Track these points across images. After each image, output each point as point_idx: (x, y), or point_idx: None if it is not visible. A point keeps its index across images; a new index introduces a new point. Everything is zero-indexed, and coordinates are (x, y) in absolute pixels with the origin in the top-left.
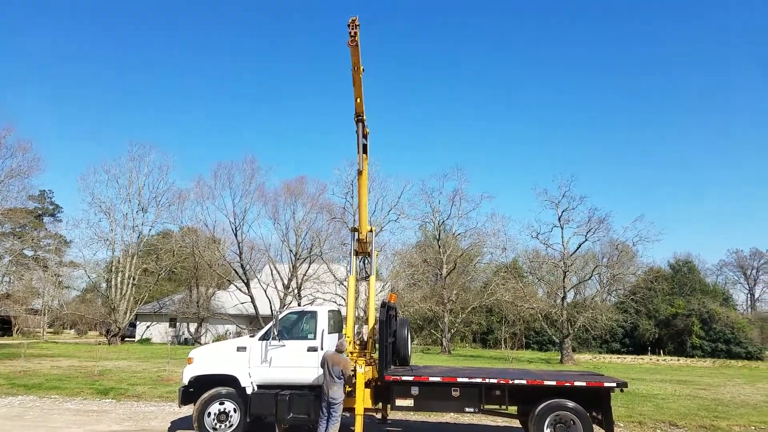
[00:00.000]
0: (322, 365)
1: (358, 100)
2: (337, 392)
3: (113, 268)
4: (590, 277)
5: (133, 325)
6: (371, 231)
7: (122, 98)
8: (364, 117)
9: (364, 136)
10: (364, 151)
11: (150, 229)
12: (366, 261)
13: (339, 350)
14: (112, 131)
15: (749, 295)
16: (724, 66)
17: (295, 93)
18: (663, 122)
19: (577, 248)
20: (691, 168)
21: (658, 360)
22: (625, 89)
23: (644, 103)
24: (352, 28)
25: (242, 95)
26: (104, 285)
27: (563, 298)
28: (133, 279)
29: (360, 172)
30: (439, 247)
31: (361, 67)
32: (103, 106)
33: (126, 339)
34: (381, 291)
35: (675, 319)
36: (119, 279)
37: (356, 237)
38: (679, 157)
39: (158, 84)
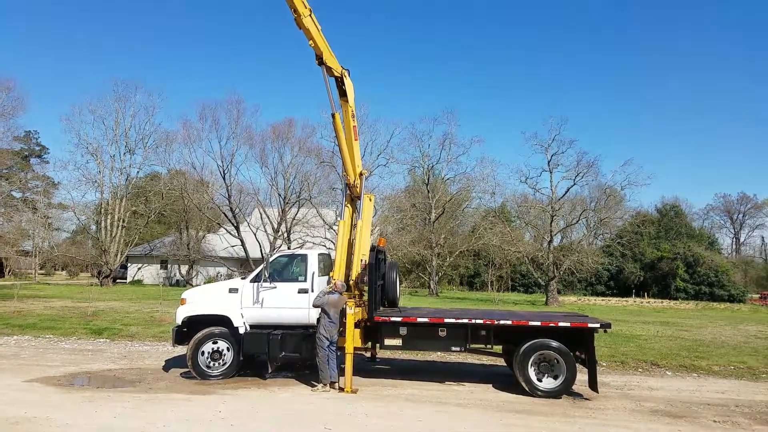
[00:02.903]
0: (328, 309)
1: (311, 43)
2: (337, 333)
3: (102, 210)
4: (577, 221)
5: (124, 267)
6: (361, 175)
7: (103, 36)
8: (325, 58)
9: (340, 78)
10: (342, 94)
11: (138, 171)
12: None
13: (340, 292)
14: (95, 69)
15: (734, 239)
16: (717, 3)
17: (282, 33)
18: (652, 65)
19: (566, 192)
20: (683, 112)
21: (642, 302)
22: (614, 31)
23: (633, 45)
24: None
25: (227, 33)
26: (94, 227)
27: (550, 241)
28: (123, 221)
29: (333, 116)
30: (428, 191)
31: (307, 8)
32: (83, 43)
33: (117, 280)
34: (371, 236)
35: (660, 262)
36: (109, 221)
37: (345, 182)
38: (669, 100)
39: (140, 22)
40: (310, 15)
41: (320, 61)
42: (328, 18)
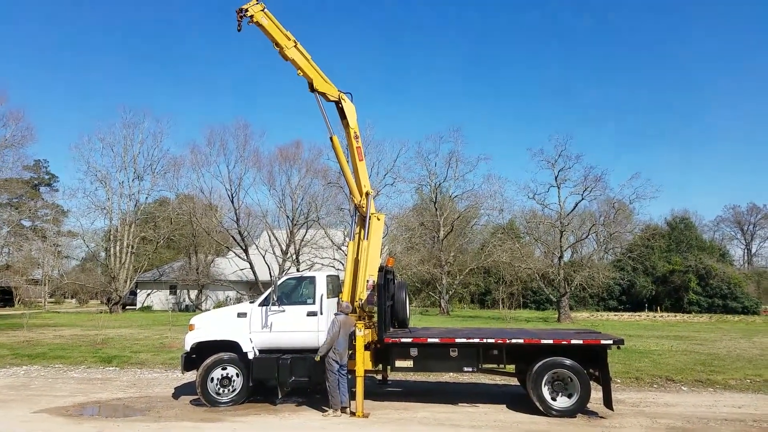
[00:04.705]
0: (337, 332)
1: (300, 72)
2: (347, 356)
3: (111, 236)
4: (587, 236)
5: (133, 293)
6: (368, 194)
7: (109, 59)
8: (316, 85)
9: (338, 101)
10: (343, 116)
11: (147, 197)
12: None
13: (346, 312)
14: (101, 98)
15: (746, 251)
16: (723, 14)
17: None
18: (659, 76)
19: (574, 207)
20: (689, 123)
21: (655, 316)
22: (620, 42)
23: (640, 55)
24: (239, 15)
25: (233, 56)
26: (103, 254)
27: (560, 257)
28: (132, 247)
29: (331, 139)
30: (436, 209)
31: (291, 39)
32: (89, 69)
33: (127, 307)
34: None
35: (672, 275)
36: (118, 248)
37: (353, 202)
38: (676, 112)
39: (147, 47)
40: (295, 46)
41: (312, 87)
42: (331, 38)
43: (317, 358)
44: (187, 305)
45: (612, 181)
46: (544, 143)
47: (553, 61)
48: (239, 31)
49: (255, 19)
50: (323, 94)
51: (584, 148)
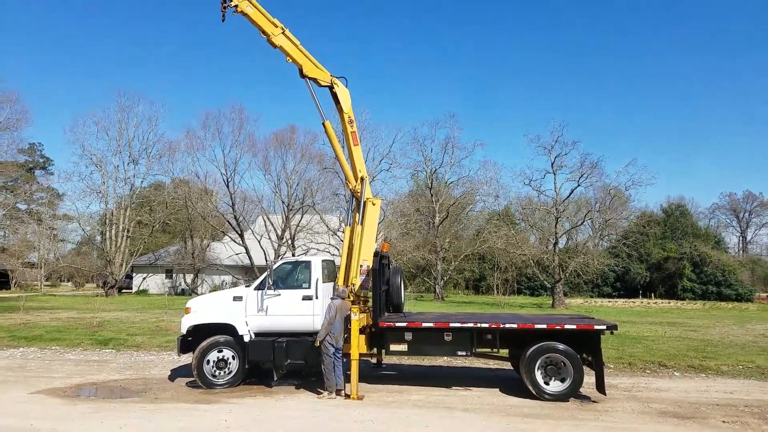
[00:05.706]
0: (334, 315)
1: (289, 59)
2: (342, 340)
3: (107, 220)
4: (582, 223)
5: (129, 277)
6: (362, 179)
7: (105, 45)
8: (306, 71)
9: (331, 86)
10: (336, 100)
11: (142, 181)
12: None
13: (342, 297)
14: (97, 79)
15: (741, 238)
16: (724, 4)
17: None
18: (656, 64)
19: (570, 194)
20: (687, 111)
21: (649, 303)
22: (618, 30)
23: (638, 43)
24: (223, 5)
25: (227, 41)
26: (99, 237)
27: (555, 243)
28: (128, 231)
29: (324, 124)
30: (432, 195)
31: (278, 26)
32: (85, 53)
33: (123, 290)
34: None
35: (666, 262)
36: (113, 231)
37: (349, 188)
38: (673, 100)
39: (142, 31)
40: (282, 32)
41: (302, 73)
42: (329, 22)
43: (317, 344)
44: (183, 289)
45: (608, 167)
46: (541, 129)
47: (550, 47)
48: (223, 21)
49: (240, 9)
50: (314, 80)
51: (581, 135)
